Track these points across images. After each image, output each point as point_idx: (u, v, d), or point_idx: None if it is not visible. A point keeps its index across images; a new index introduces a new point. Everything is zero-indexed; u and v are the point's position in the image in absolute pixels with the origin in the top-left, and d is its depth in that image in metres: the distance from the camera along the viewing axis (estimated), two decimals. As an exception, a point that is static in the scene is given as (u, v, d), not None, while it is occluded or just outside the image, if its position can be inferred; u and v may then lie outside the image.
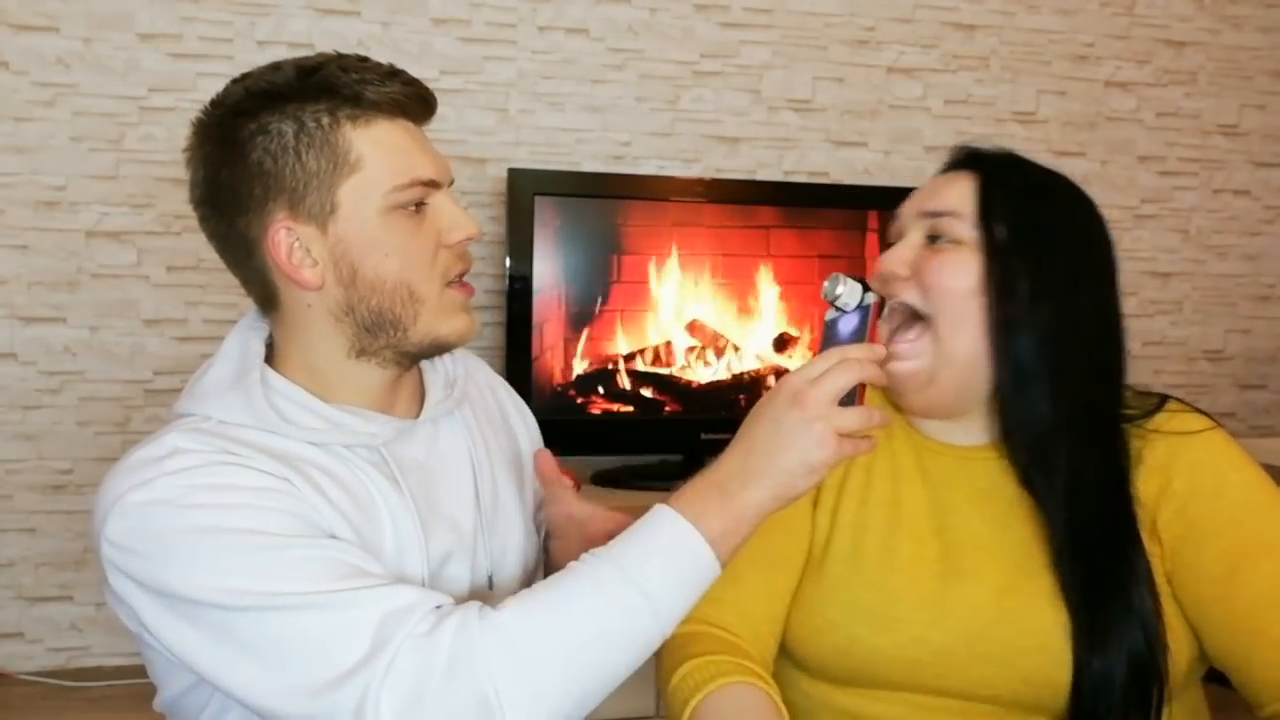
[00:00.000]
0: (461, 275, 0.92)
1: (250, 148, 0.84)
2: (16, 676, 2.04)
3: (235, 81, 0.87)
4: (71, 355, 2.04)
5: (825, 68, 2.33)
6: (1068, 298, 0.94)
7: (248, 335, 0.92)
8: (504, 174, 2.05)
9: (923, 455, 0.99)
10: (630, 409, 2.13)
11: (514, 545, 0.99)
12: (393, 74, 0.88)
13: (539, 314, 2.06)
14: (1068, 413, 0.92)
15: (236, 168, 0.85)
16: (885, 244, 1.02)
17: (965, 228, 0.94)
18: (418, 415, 0.96)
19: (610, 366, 2.17)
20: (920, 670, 0.91)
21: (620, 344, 2.18)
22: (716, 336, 2.22)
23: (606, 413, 2.14)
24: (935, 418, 0.99)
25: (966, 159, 1.01)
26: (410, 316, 0.88)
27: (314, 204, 0.85)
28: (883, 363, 0.87)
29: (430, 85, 0.92)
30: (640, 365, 2.17)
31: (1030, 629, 0.88)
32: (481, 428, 1.02)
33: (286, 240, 0.85)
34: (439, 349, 0.92)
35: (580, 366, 2.16)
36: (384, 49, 2.09)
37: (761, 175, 2.31)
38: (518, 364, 2.04)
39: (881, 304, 0.86)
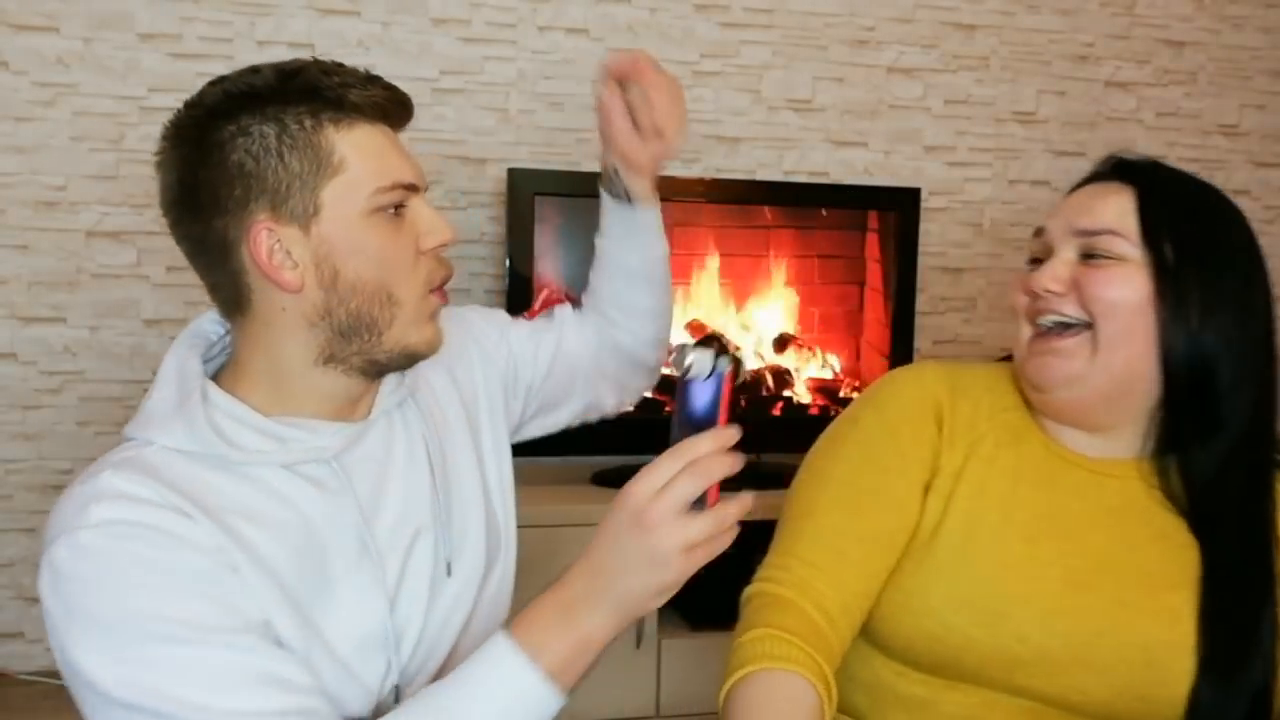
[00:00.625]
0: (444, 281, 0.92)
1: (230, 149, 0.83)
2: (16, 676, 2.04)
3: (212, 84, 0.86)
4: (71, 355, 2.04)
5: (825, 68, 2.33)
6: (1239, 315, 0.94)
7: (185, 355, 0.90)
8: (504, 174, 2.05)
9: (1054, 462, 0.98)
10: (630, 408, 2.13)
11: (473, 531, 0.99)
12: (371, 79, 0.88)
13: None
14: (1237, 436, 0.92)
15: (215, 169, 0.84)
16: (1033, 260, 1.00)
17: (1126, 246, 0.93)
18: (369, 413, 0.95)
19: (610, 366, 2.17)
20: (1014, 668, 0.90)
21: (620, 344, 2.18)
22: (716, 337, 2.22)
23: (606, 413, 2.14)
24: (1072, 424, 0.98)
25: (1115, 169, 1.00)
26: (387, 320, 0.88)
27: (296, 205, 0.84)
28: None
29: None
30: (640, 365, 2.17)
31: (1141, 643, 0.88)
32: (434, 411, 1.00)
33: (268, 241, 0.84)
34: (408, 359, 0.92)
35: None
36: (384, 49, 2.10)
37: (761, 175, 2.31)
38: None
39: (736, 371, 0.82)
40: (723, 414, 0.81)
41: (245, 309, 0.88)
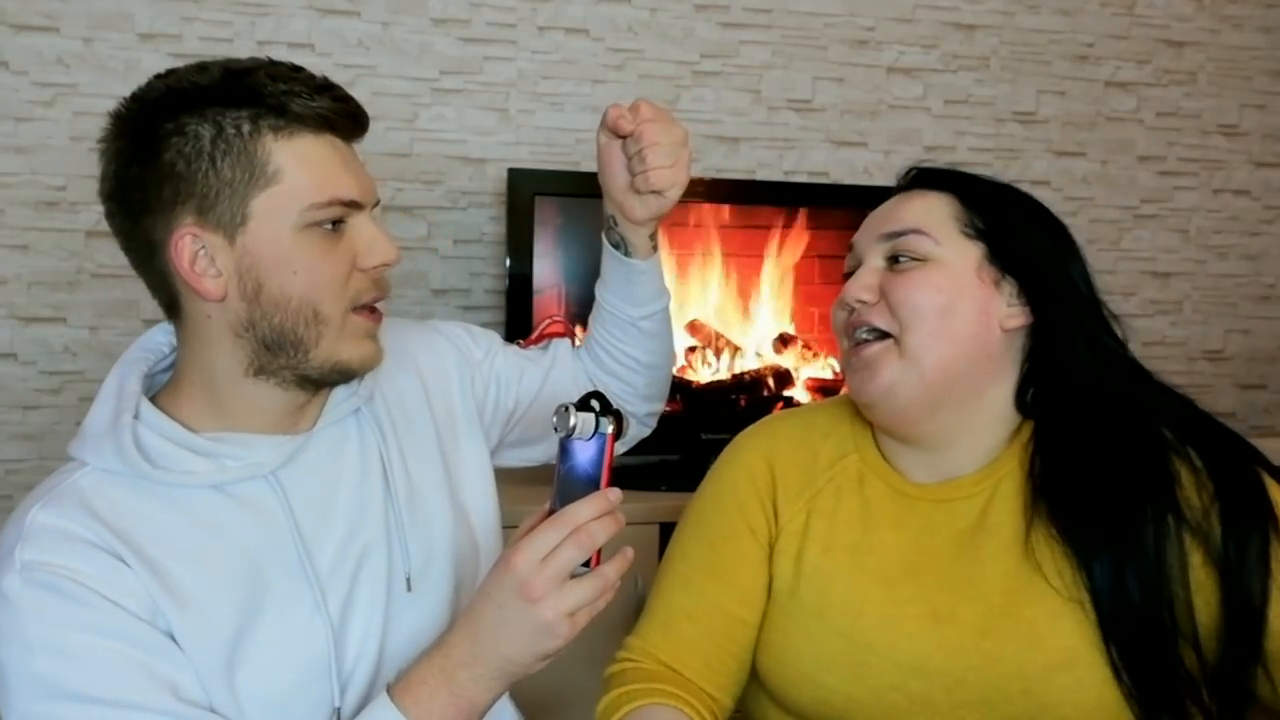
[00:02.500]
0: (374, 302, 0.89)
1: (164, 147, 0.81)
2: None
3: (159, 77, 0.84)
4: (71, 355, 2.04)
5: (825, 68, 2.33)
6: (1062, 281, 0.95)
7: (126, 372, 0.88)
8: (504, 174, 2.05)
9: (899, 500, 0.97)
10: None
11: (440, 544, 0.96)
12: (323, 88, 0.85)
13: (539, 314, 2.06)
14: (1103, 382, 0.92)
15: (147, 166, 0.82)
16: (847, 276, 1.01)
17: (929, 244, 0.94)
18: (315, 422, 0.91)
19: (610, 366, 2.17)
20: (899, 719, 0.89)
21: (620, 344, 2.18)
22: (716, 336, 2.22)
23: (606, 413, 2.13)
24: (911, 442, 0.97)
25: (917, 180, 1.02)
26: (312, 338, 0.85)
27: (224, 213, 0.81)
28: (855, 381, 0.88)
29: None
30: (640, 365, 2.17)
31: (1014, 672, 0.86)
32: (395, 419, 0.97)
33: (191, 247, 0.82)
34: (342, 375, 0.88)
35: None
36: (384, 49, 2.10)
37: (761, 175, 2.31)
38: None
39: (618, 431, 0.81)
40: (605, 474, 0.81)
41: (178, 312, 0.86)
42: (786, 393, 2.21)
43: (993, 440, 0.96)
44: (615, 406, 0.82)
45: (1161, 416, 0.92)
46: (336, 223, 0.84)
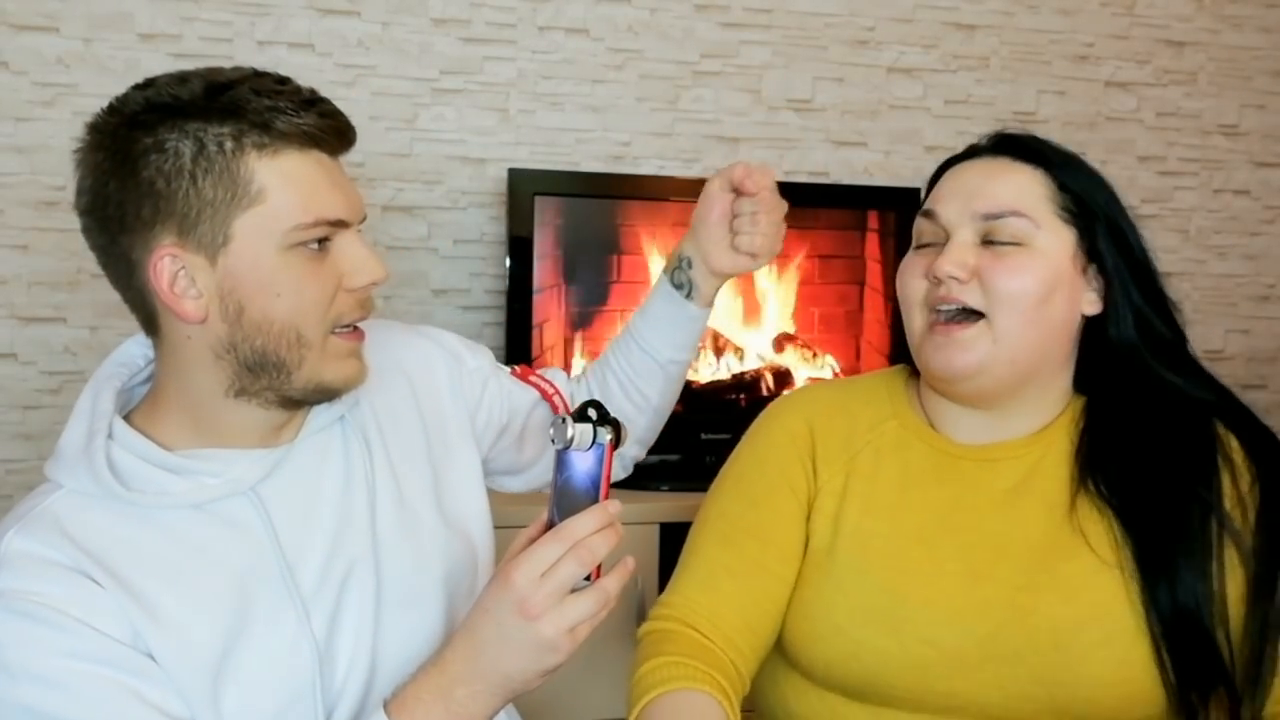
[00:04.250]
0: (356, 322, 0.87)
1: (143, 165, 0.77)
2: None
3: (138, 88, 0.81)
4: (71, 355, 2.04)
5: (825, 68, 2.33)
6: (1141, 272, 0.96)
7: (100, 388, 0.86)
8: (504, 174, 2.05)
9: (940, 459, 0.99)
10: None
11: (432, 554, 0.93)
12: (310, 102, 0.81)
13: (539, 314, 2.06)
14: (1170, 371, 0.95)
15: (126, 183, 0.78)
16: (912, 237, 1.00)
17: (1029, 228, 0.93)
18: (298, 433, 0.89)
19: (610, 366, 2.17)
20: (929, 674, 0.90)
21: (620, 344, 2.18)
22: (716, 336, 2.22)
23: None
24: (977, 408, 0.98)
25: (999, 145, 0.99)
26: (295, 361, 0.82)
27: (205, 233, 0.78)
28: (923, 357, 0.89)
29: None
30: (640, 365, 2.17)
31: (1048, 626, 0.88)
32: (382, 427, 0.95)
33: (171, 268, 0.79)
34: (325, 395, 0.86)
35: (580, 366, 2.16)
36: (384, 49, 2.10)
37: (761, 175, 2.30)
38: (517, 364, 2.04)
39: (616, 441, 0.80)
40: (604, 485, 0.79)
41: (156, 330, 0.84)
42: (786, 392, 2.21)
43: (1049, 411, 0.99)
44: (613, 416, 0.80)
45: (1211, 408, 0.95)
46: (322, 241, 0.82)
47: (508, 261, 2.02)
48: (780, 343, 2.25)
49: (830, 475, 1.00)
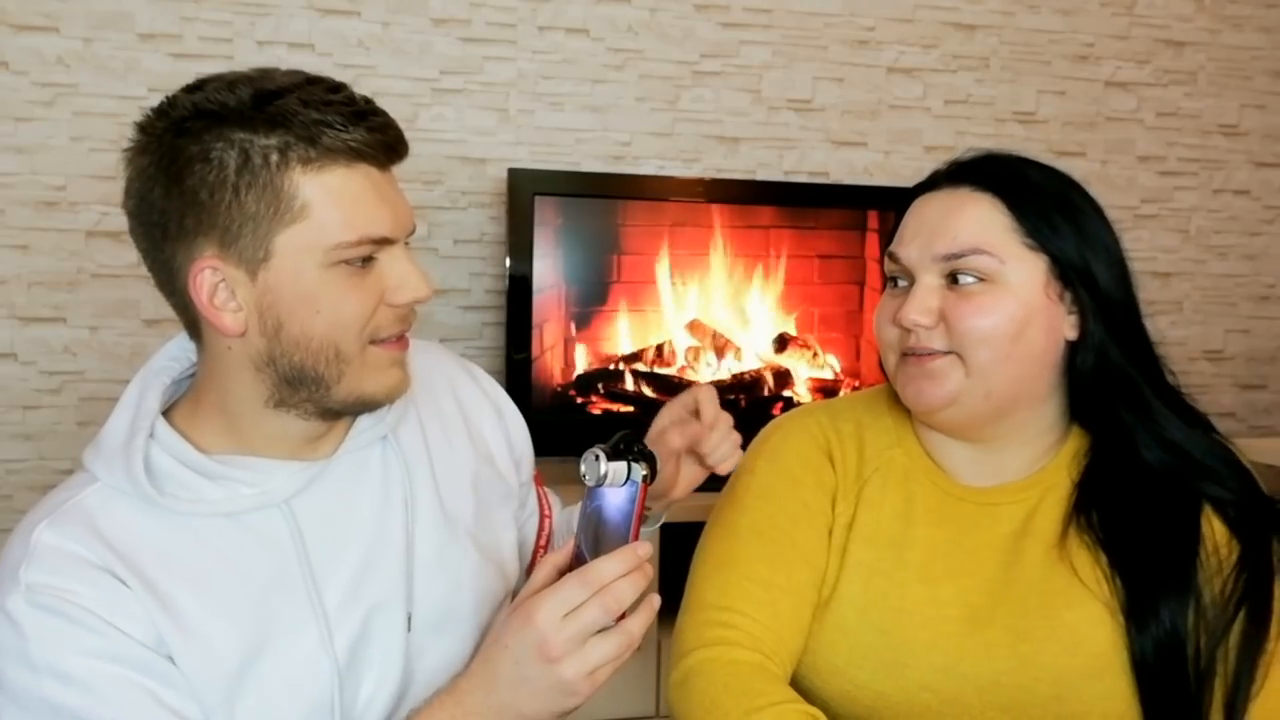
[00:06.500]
0: (398, 335, 0.85)
1: (188, 173, 0.75)
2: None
3: (188, 89, 0.79)
4: (71, 355, 2.04)
5: (825, 68, 2.33)
6: (1118, 292, 0.92)
7: (148, 384, 0.85)
8: (504, 174, 2.05)
9: (942, 499, 0.95)
10: (630, 409, 2.13)
11: (467, 569, 0.92)
12: (360, 114, 0.78)
13: (539, 314, 2.06)
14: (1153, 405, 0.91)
15: (170, 191, 0.76)
16: (884, 279, 0.96)
17: (993, 263, 0.88)
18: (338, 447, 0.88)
19: (610, 366, 2.17)
20: (928, 718, 0.88)
21: (620, 344, 2.19)
22: (716, 336, 2.22)
23: (607, 412, 2.14)
24: (963, 439, 0.96)
25: (957, 174, 0.94)
26: (334, 375, 0.81)
27: (246, 247, 0.76)
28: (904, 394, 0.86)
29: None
30: (640, 365, 2.17)
31: (1049, 677, 0.86)
32: (427, 450, 0.93)
33: (211, 280, 0.77)
34: (365, 406, 0.85)
35: (580, 366, 2.16)
36: (384, 49, 2.10)
37: (761, 175, 2.31)
38: (518, 364, 2.04)
39: (651, 477, 0.77)
40: (635, 524, 0.76)
41: (199, 337, 0.83)
42: (786, 393, 2.21)
43: (1044, 443, 0.96)
44: (650, 450, 0.77)
45: (1204, 475, 0.92)
46: (366, 259, 0.80)
47: (508, 261, 2.02)
48: (780, 343, 2.25)
49: (844, 508, 0.97)
